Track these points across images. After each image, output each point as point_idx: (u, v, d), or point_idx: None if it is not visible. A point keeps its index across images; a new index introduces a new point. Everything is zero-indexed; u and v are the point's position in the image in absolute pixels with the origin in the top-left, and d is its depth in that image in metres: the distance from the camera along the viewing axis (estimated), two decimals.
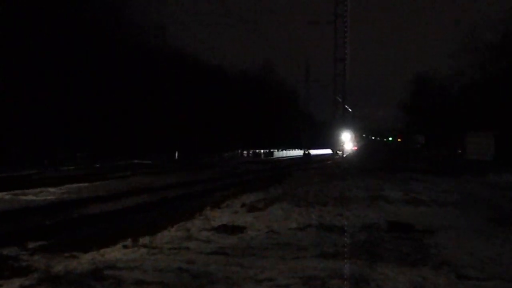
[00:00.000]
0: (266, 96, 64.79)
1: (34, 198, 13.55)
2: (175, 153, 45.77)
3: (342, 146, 47.64)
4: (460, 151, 44.44)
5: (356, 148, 69.75)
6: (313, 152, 67.91)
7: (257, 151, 64.13)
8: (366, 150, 70.34)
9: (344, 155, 46.65)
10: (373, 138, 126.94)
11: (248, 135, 60.72)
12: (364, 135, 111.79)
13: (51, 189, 15.36)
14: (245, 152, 62.42)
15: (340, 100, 44.71)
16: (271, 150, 68.38)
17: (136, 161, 35.83)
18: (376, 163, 33.82)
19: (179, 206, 12.41)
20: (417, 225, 8.27)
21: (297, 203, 11.02)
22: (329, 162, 40.06)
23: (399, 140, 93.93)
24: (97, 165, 29.92)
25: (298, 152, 73.16)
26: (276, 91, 68.75)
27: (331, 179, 18.28)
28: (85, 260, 5.78)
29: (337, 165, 31.54)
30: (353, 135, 63.22)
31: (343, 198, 12.16)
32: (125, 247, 6.57)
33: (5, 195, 13.80)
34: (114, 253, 6.18)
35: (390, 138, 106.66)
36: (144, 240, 6.92)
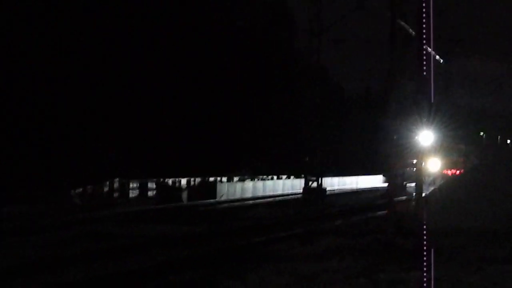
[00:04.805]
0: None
1: None
2: None
3: (418, 167, 15.71)
4: None
5: (459, 171, 32.57)
6: (331, 182, 35.66)
7: (170, 182, 27.53)
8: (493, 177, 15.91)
9: (425, 192, 16.64)
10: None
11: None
12: (482, 134, 46.49)
13: None
14: (133, 185, 26.23)
15: (412, 33, 17.26)
16: (212, 179, 29.47)
17: None
18: None
19: None
20: None
21: None
22: (378, 212, 18.29)
23: None
24: None
25: (288, 183, 34.24)
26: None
27: None
28: None
29: (404, 232, 11.72)
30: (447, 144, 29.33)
31: None
32: None
33: None
34: None
35: None
36: None
